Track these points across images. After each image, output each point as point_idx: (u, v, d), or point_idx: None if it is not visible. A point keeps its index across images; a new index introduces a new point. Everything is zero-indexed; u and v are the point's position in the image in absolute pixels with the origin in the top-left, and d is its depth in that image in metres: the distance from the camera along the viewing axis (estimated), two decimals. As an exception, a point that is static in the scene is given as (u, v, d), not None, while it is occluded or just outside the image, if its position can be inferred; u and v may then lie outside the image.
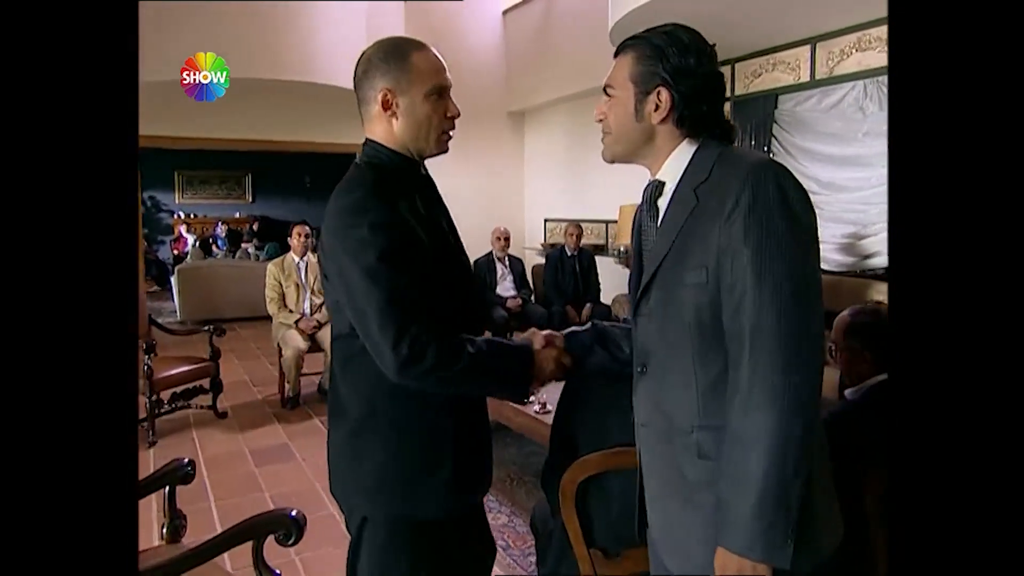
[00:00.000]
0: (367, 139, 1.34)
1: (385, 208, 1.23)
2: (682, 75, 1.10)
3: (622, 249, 5.95)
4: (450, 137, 1.34)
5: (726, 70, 5.21)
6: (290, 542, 1.56)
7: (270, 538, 1.56)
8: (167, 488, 1.91)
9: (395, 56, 1.28)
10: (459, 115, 1.34)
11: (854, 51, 4.30)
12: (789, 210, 1.01)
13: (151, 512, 2.81)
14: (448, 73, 1.33)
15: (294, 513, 1.57)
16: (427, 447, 1.32)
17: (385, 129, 1.30)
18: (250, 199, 13.03)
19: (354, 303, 1.23)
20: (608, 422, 1.47)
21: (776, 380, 0.98)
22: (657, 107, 1.12)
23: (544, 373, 1.34)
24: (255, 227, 11.99)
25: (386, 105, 1.27)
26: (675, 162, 1.14)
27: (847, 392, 1.65)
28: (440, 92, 1.29)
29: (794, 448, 0.99)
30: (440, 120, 1.30)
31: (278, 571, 1.58)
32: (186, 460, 1.92)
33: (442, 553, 1.35)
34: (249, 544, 1.56)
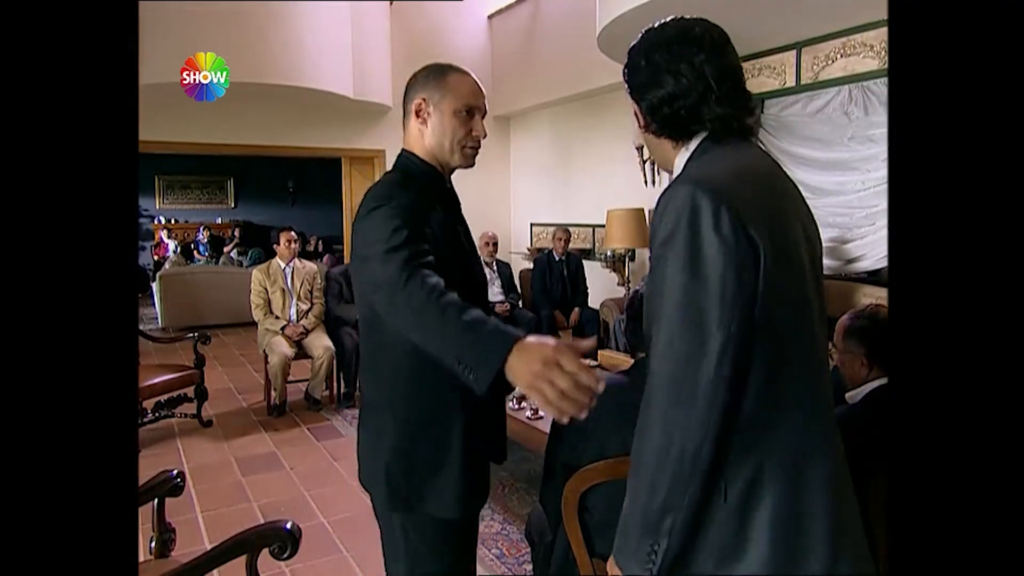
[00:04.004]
0: (403, 149, 1.43)
1: (408, 198, 1.28)
2: (648, 84, 1.05)
3: (609, 253, 5.95)
4: (475, 153, 1.42)
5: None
6: (285, 555, 1.53)
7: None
8: (155, 501, 1.87)
9: (435, 74, 1.39)
10: (485, 135, 1.41)
11: (839, 56, 4.34)
12: (695, 242, 0.90)
13: (137, 525, 2.75)
14: (485, 99, 1.42)
15: (288, 526, 1.54)
16: (435, 447, 1.34)
17: (417, 138, 1.40)
18: (232, 204, 12.87)
19: (372, 273, 1.22)
20: (607, 431, 1.45)
21: (655, 419, 0.93)
22: (639, 120, 1.10)
23: (531, 368, 0.99)
24: (237, 233, 11.87)
25: (418, 113, 1.38)
26: (676, 173, 1.08)
27: (847, 396, 1.65)
28: (469, 111, 1.38)
29: (663, 488, 0.92)
30: (464, 136, 1.38)
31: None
32: (175, 472, 1.88)
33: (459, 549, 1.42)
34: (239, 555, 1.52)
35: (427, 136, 1.37)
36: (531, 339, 1.01)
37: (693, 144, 1.05)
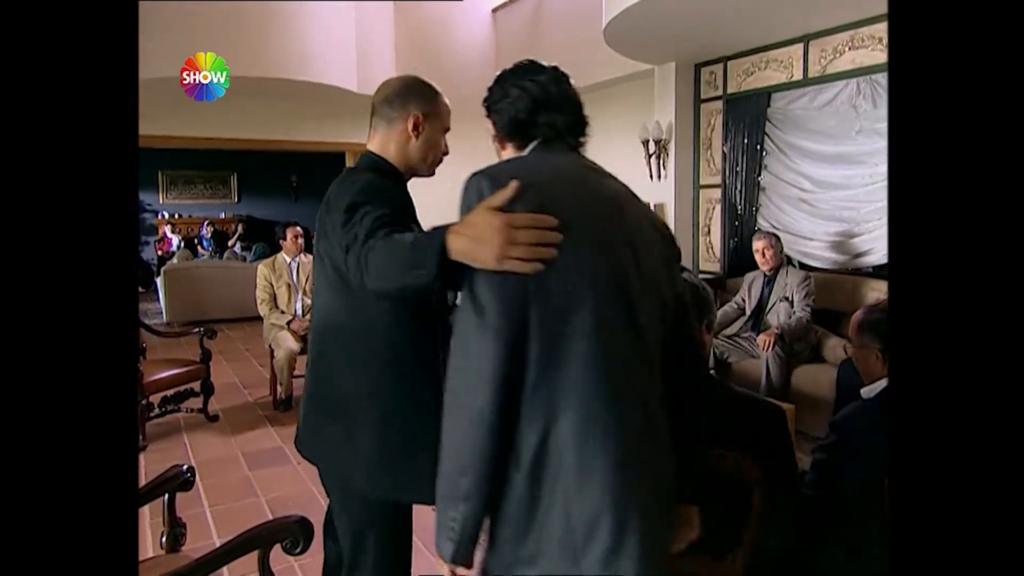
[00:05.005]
0: (368, 151, 1.55)
1: (396, 198, 1.44)
2: (499, 98, 1.22)
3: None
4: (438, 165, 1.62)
5: (718, 68, 5.21)
6: (297, 551, 1.52)
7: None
8: (166, 496, 1.86)
9: (428, 93, 1.56)
10: (448, 153, 1.61)
11: (847, 49, 4.31)
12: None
13: (145, 519, 2.75)
14: None
15: (301, 521, 1.53)
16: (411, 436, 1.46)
17: (398, 145, 1.53)
18: (236, 199, 12.88)
19: (354, 262, 1.28)
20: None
21: (449, 388, 1.07)
22: (494, 137, 1.26)
23: (492, 244, 0.99)
24: (240, 227, 11.86)
25: (416, 127, 1.52)
26: None
27: (862, 391, 1.64)
28: (447, 131, 1.59)
29: (455, 455, 1.04)
30: (440, 152, 1.58)
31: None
32: (185, 467, 1.88)
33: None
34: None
35: (414, 147, 1.52)
36: (462, 221, 1.05)
37: (527, 149, 1.19)
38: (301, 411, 1.64)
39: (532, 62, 1.25)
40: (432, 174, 1.59)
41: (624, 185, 1.21)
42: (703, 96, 5.39)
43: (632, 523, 1.01)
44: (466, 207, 1.05)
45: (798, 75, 4.64)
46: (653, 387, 1.09)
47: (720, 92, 5.23)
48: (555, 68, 1.24)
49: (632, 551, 1.00)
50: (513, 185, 1.02)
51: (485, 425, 0.99)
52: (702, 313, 1.51)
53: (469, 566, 1.06)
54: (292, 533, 1.52)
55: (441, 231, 1.06)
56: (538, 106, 1.19)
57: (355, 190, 1.39)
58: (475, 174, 1.07)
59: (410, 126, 1.51)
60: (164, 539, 1.90)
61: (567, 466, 1.01)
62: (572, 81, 1.25)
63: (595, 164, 1.21)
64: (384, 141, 1.53)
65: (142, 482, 3.17)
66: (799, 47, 4.61)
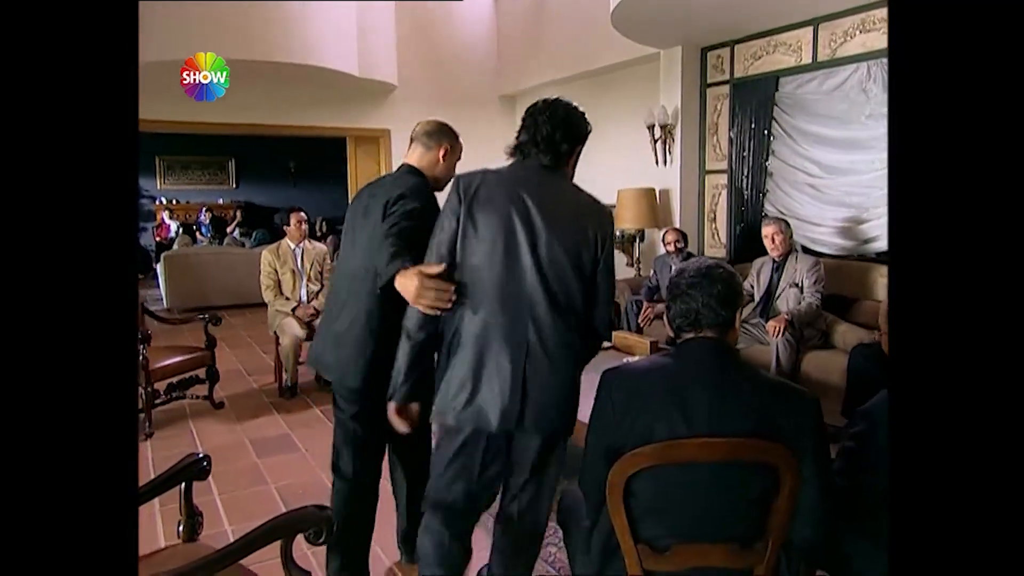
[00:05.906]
0: (410, 164, 2.16)
1: (423, 188, 2.11)
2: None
3: (619, 234, 5.90)
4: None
5: (725, 52, 5.16)
6: (320, 540, 1.51)
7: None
8: (183, 484, 1.84)
9: (454, 135, 2.22)
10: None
11: (857, 32, 4.26)
12: (446, 202, 1.79)
13: (156, 508, 2.73)
14: None
15: (324, 510, 1.51)
16: None
17: (429, 164, 2.17)
18: (234, 185, 12.79)
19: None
20: (653, 415, 1.42)
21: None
22: None
23: (410, 291, 1.65)
24: (239, 214, 11.78)
25: (444, 155, 2.17)
26: None
27: (892, 380, 1.62)
28: (458, 161, 2.22)
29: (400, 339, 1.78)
30: (453, 176, 2.03)
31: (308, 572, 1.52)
32: (201, 455, 1.86)
33: None
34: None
35: (440, 168, 2.16)
36: (407, 271, 1.66)
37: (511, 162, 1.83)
38: (317, 337, 2.28)
39: (544, 102, 1.81)
40: (443, 189, 2.15)
41: (576, 194, 1.85)
42: (710, 80, 5.34)
43: (483, 390, 1.67)
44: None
45: (807, 59, 4.59)
46: (542, 324, 1.68)
47: (727, 76, 5.18)
48: (557, 107, 1.80)
49: (480, 406, 1.68)
50: (439, 267, 1.68)
51: (412, 331, 1.74)
52: (735, 301, 1.49)
53: (400, 409, 1.80)
54: (316, 523, 1.50)
55: (400, 267, 1.69)
56: (527, 136, 1.79)
57: (406, 186, 2.04)
58: (457, 176, 1.80)
59: (441, 154, 2.16)
60: (181, 528, 1.88)
61: (463, 350, 1.70)
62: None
63: (554, 177, 1.80)
64: (419, 159, 2.16)
65: (149, 469, 3.16)
66: (808, 30, 4.56)
